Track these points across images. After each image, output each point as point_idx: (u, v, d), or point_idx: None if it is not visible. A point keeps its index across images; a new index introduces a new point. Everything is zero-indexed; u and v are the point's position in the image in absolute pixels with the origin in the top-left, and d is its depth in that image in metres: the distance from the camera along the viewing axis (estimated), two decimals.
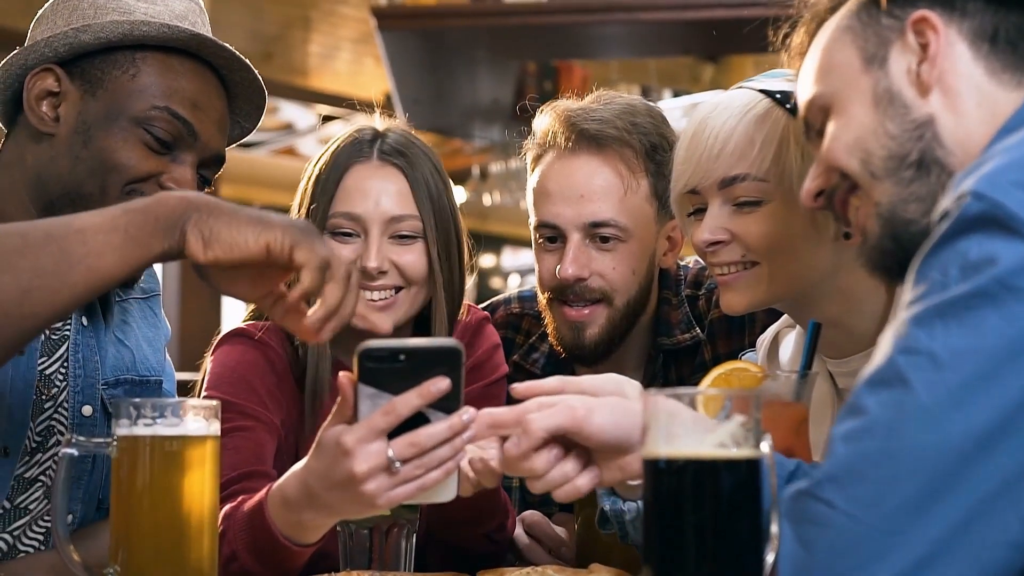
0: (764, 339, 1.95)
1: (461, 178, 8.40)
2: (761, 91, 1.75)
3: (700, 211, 1.79)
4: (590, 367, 2.19)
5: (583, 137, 2.14)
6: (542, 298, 2.25)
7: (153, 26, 1.76)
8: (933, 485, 1.11)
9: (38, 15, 1.86)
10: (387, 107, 2.15)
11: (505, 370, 2.17)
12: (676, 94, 5.86)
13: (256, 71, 1.88)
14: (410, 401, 1.35)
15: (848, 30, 1.44)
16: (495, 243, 11.95)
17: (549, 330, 2.25)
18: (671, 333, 2.25)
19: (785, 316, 1.90)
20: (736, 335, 2.22)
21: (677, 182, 1.81)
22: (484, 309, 2.44)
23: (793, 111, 1.68)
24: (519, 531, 1.99)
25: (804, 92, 1.51)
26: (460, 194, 10.46)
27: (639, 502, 1.46)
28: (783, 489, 1.22)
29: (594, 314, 2.18)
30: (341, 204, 1.99)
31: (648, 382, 2.24)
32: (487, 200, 7.34)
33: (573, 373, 2.29)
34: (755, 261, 1.74)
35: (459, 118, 5.83)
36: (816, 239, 1.71)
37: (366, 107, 2.13)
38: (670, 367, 2.27)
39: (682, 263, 2.34)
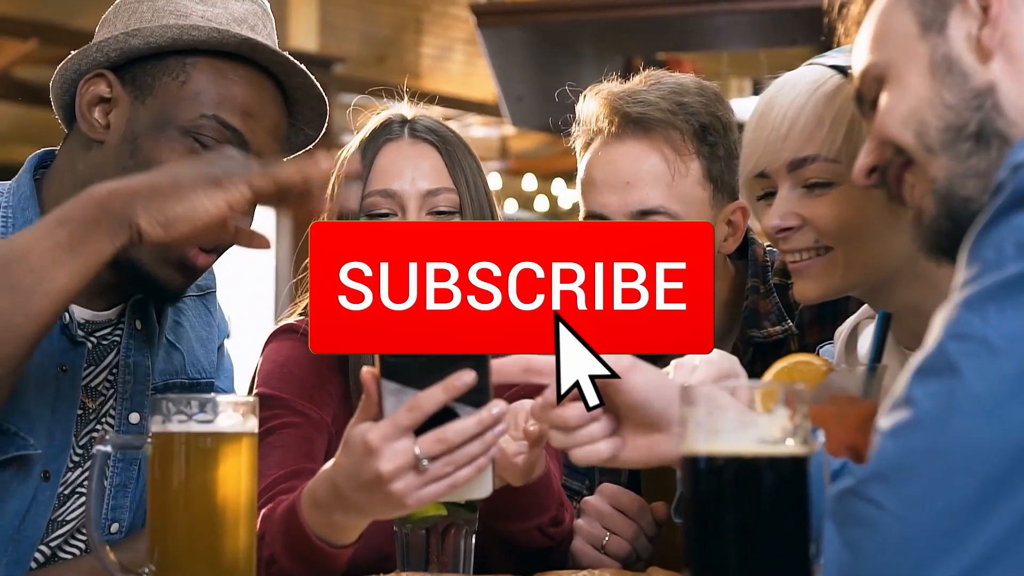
0: (842, 331, 1.85)
1: (571, 177, 8.35)
2: (831, 67, 1.66)
3: (770, 195, 1.70)
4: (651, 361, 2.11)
5: (627, 121, 2.04)
6: None
7: (203, 30, 1.70)
8: (989, 482, 1.01)
9: (102, 18, 1.82)
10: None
11: None
12: None
13: (314, 77, 1.80)
14: (435, 396, 1.30)
15: None
16: None
17: None
18: (761, 325, 2.13)
19: (865, 306, 1.80)
20: (828, 323, 2.10)
21: (745, 165, 1.72)
22: None
23: None
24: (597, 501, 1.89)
25: (859, 62, 1.42)
26: (572, 194, 10.42)
27: None
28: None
29: None
30: (376, 183, 1.96)
31: None
32: None
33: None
34: (828, 247, 1.65)
35: (565, 115, 5.78)
36: (893, 222, 1.61)
37: (400, 97, 2.09)
38: (756, 361, 2.17)
39: (769, 248, 2.23)
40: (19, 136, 9.59)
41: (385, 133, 2.00)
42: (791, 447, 1.11)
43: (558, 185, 10.88)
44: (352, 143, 2.04)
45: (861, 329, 1.81)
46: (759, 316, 2.14)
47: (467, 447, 1.31)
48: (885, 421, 1.09)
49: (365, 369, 1.35)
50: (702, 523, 1.13)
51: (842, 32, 1.50)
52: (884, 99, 1.36)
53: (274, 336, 2.00)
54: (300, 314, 2.05)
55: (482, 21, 4.54)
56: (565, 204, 10.82)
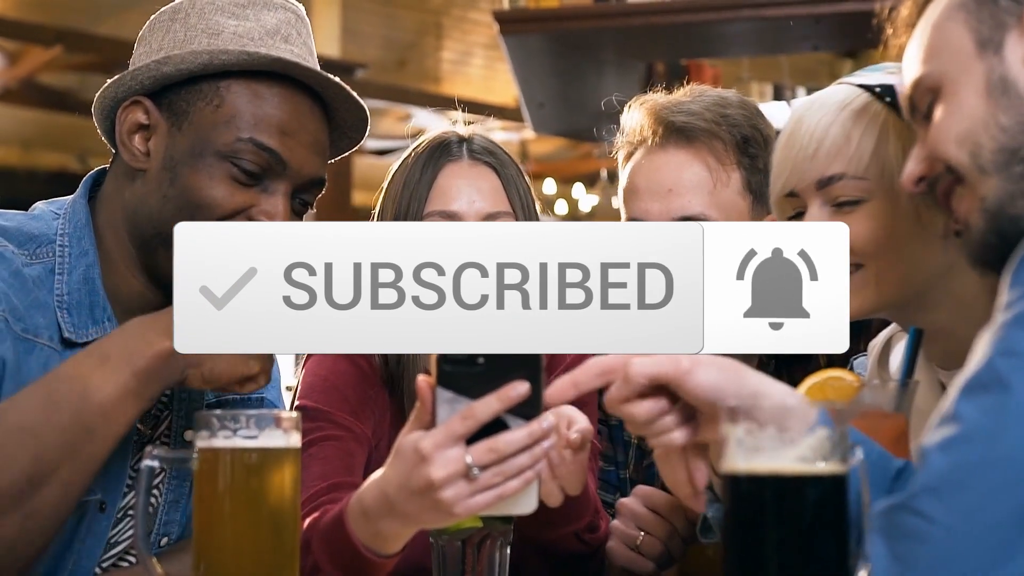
0: (875, 344, 1.86)
1: (590, 181, 8.38)
2: (860, 86, 1.67)
3: (801, 215, 1.71)
4: None
5: (671, 131, 2.08)
6: None
7: (233, 54, 1.68)
8: None
9: (139, 35, 1.81)
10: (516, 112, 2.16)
11: None
12: (811, 91, 5.71)
13: (349, 88, 1.78)
14: (489, 406, 1.31)
15: (962, 8, 1.36)
16: None
17: None
18: None
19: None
20: (853, 337, 2.12)
21: (775, 185, 1.74)
22: None
23: (893, 105, 1.60)
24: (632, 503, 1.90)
25: (911, 71, 1.43)
26: (591, 198, 10.44)
27: None
28: (881, 497, 1.14)
29: None
30: (436, 203, 2.00)
31: None
32: (615, 203, 7.30)
33: None
34: (860, 264, 1.66)
35: (587, 121, 5.78)
36: (923, 237, 1.62)
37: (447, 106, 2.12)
38: (782, 373, 2.18)
39: None
40: (43, 141, 9.66)
41: (445, 153, 2.03)
42: (831, 465, 1.12)
43: (578, 189, 10.91)
44: (406, 158, 2.06)
45: (894, 344, 1.82)
46: None
47: (517, 458, 1.32)
48: (933, 436, 1.10)
49: (421, 378, 1.36)
50: (743, 541, 1.14)
51: (890, 33, 1.50)
52: (939, 114, 1.37)
53: None
54: None
55: (505, 28, 4.55)
56: (585, 207, 10.85)
